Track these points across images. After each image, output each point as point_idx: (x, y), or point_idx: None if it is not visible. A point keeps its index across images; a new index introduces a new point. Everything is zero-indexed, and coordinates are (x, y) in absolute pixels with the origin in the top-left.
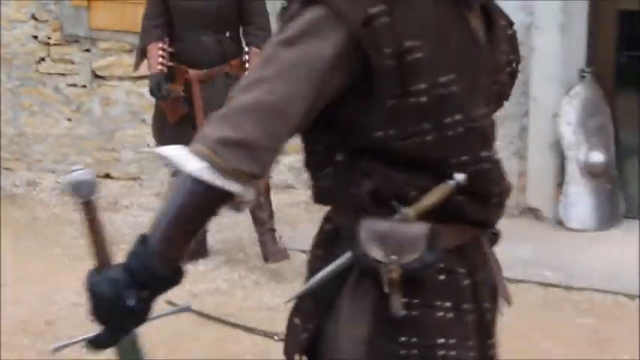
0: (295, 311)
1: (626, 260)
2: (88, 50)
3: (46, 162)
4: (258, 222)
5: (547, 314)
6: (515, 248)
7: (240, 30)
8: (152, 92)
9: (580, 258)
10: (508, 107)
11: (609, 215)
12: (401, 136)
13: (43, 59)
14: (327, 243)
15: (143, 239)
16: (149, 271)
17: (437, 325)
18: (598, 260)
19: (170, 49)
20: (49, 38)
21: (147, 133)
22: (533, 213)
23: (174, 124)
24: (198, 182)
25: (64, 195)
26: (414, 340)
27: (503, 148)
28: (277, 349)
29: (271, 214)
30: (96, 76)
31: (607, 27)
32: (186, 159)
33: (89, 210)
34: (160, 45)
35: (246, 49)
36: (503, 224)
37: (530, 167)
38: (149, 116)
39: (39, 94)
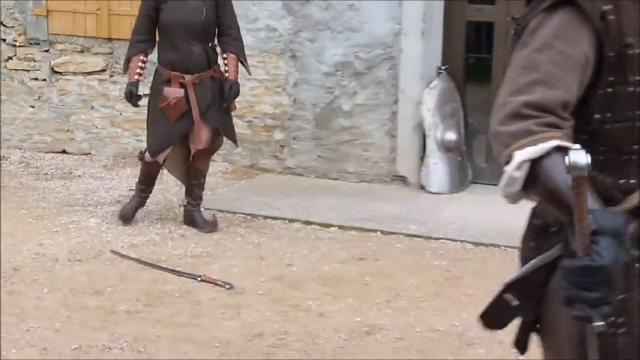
0: (508, 289)
1: (473, 216)
2: (47, 51)
3: (13, 141)
4: (193, 196)
5: (411, 258)
6: (387, 207)
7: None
8: (126, 97)
9: (437, 214)
10: (381, 96)
11: (460, 181)
12: (615, 119)
13: (10, 58)
14: (537, 236)
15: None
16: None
17: (635, 307)
18: (451, 216)
19: (146, 60)
20: (15, 41)
21: (95, 117)
22: (401, 180)
23: (175, 120)
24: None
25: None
26: (621, 320)
27: (377, 129)
28: (200, 287)
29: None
30: (54, 72)
31: (458, 34)
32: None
33: (579, 184)
34: (141, 57)
35: (224, 55)
36: (378, 189)
37: (399, 144)
38: (97, 104)
39: (7, 86)
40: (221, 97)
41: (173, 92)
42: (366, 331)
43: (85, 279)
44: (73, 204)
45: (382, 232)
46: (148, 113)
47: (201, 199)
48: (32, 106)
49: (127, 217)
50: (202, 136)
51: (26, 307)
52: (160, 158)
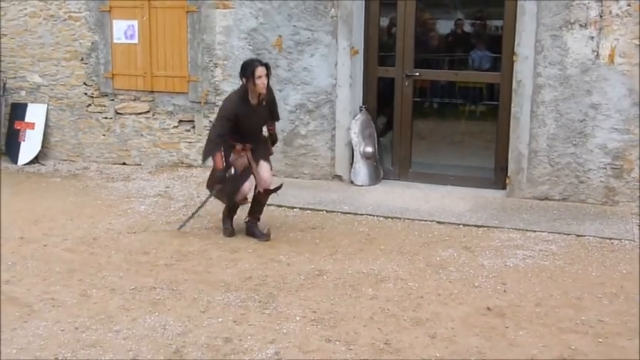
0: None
1: (383, 199)
2: (112, 100)
3: (92, 157)
4: (255, 216)
5: (344, 227)
6: (330, 195)
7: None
8: (217, 179)
9: (361, 199)
10: (325, 125)
11: (375, 178)
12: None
13: (90, 105)
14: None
15: None
16: None
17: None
18: (370, 200)
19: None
20: (92, 94)
21: (143, 141)
22: (339, 178)
23: (241, 174)
24: None
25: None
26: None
27: (323, 146)
28: (211, 248)
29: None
30: (117, 113)
31: (372, 85)
32: None
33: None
34: (222, 152)
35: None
36: (323, 184)
37: (336, 155)
38: (145, 132)
39: (88, 123)
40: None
41: (239, 161)
42: (317, 273)
43: (138, 244)
44: (130, 197)
45: (326, 211)
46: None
47: (259, 219)
48: (103, 135)
49: (231, 234)
50: (265, 176)
51: (101, 262)
52: (248, 195)
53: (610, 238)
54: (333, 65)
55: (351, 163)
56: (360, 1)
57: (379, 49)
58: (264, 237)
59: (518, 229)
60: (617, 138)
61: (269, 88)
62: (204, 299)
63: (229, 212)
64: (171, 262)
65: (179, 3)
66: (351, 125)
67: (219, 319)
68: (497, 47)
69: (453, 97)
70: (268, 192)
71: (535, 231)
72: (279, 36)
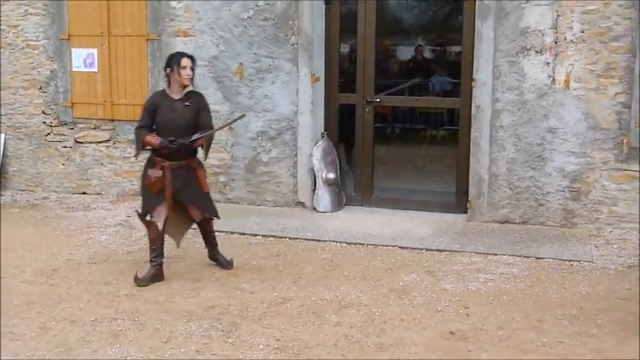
0: None
1: (346, 225)
2: (72, 128)
3: (52, 186)
4: (212, 244)
5: (308, 254)
6: (292, 222)
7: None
8: (165, 145)
9: (324, 225)
10: (287, 152)
11: (338, 204)
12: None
13: (49, 134)
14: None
15: None
16: None
17: None
18: (333, 226)
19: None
20: (52, 123)
21: (104, 170)
22: (301, 205)
23: (155, 194)
24: None
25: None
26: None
27: (285, 172)
28: (173, 277)
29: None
30: (77, 142)
31: (333, 112)
32: None
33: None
34: (150, 134)
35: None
36: (286, 211)
37: (299, 181)
38: (105, 161)
39: (47, 152)
40: (196, 181)
41: (155, 172)
42: (281, 301)
43: (99, 275)
44: (90, 226)
45: (290, 238)
46: (142, 185)
47: (217, 245)
48: (63, 164)
49: (142, 283)
50: (192, 213)
51: (61, 294)
52: (157, 222)
53: (569, 260)
54: (294, 92)
55: (314, 190)
56: (320, 29)
57: (340, 75)
58: (228, 265)
59: (480, 253)
60: (574, 161)
61: (201, 95)
62: (166, 329)
63: (151, 248)
64: (132, 293)
65: (139, 31)
66: (313, 152)
67: (182, 350)
68: (457, 73)
69: (415, 122)
70: (204, 220)
71: (496, 254)
72: (240, 63)
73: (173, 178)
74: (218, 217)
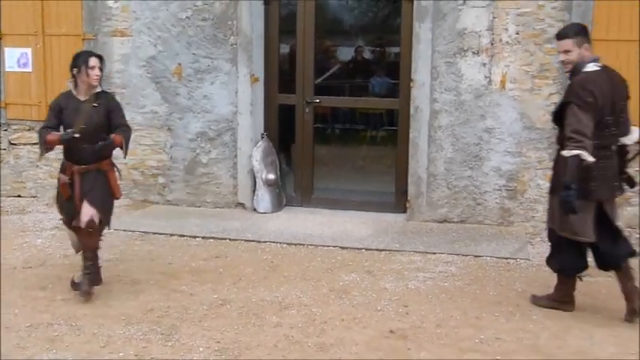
0: None
1: (286, 226)
2: (6, 130)
3: None
4: (83, 265)
5: (248, 255)
6: (233, 223)
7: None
8: (66, 138)
9: (265, 226)
10: (226, 153)
11: (278, 205)
12: None
13: None
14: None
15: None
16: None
17: None
18: (273, 227)
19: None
20: None
21: (39, 172)
22: (241, 206)
23: (66, 199)
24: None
25: None
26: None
27: (225, 174)
28: (111, 280)
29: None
30: (11, 144)
31: (273, 112)
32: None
33: None
34: (51, 132)
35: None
36: (226, 212)
37: (239, 182)
38: (40, 164)
39: None
40: (107, 185)
41: (63, 177)
42: (221, 303)
43: (34, 279)
44: (25, 230)
45: (230, 239)
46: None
47: (88, 270)
48: None
49: (87, 293)
50: (82, 214)
51: None
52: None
53: (506, 258)
54: (233, 93)
55: (254, 191)
56: (260, 29)
57: (280, 76)
58: (84, 296)
59: (419, 252)
60: (510, 161)
61: (111, 95)
62: (104, 334)
63: (84, 256)
64: (69, 297)
65: (75, 30)
66: (253, 153)
67: (120, 354)
68: (396, 73)
69: (354, 122)
70: (84, 231)
71: (435, 253)
72: (179, 64)
73: (82, 182)
74: (109, 227)
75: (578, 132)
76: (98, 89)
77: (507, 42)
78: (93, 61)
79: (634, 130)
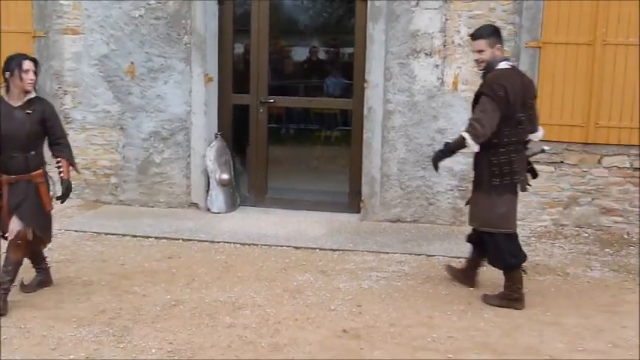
0: None
1: (240, 226)
2: None
3: None
4: (3, 279)
5: (201, 255)
6: (186, 223)
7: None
8: None
9: (218, 226)
10: (180, 153)
11: (232, 205)
12: None
13: None
14: None
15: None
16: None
17: None
18: (227, 227)
19: None
20: None
21: None
22: (195, 205)
23: None
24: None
25: None
26: None
27: (178, 173)
28: (63, 282)
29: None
30: None
31: (227, 112)
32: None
33: None
34: None
35: (58, 159)
36: (180, 212)
37: (192, 182)
38: None
39: None
40: (38, 198)
41: None
42: (174, 304)
43: None
44: None
45: (183, 239)
46: None
47: (5, 284)
48: None
49: (29, 289)
50: (11, 227)
51: None
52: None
53: (458, 257)
54: (187, 92)
55: (207, 191)
56: (214, 28)
57: (234, 76)
58: (5, 311)
59: (373, 252)
60: (462, 161)
61: (46, 102)
62: (54, 336)
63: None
64: (18, 299)
65: (25, 28)
66: (207, 152)
67: (71, 356)
68: (351, 74)
69: (309, 122)
70: (14, 244)
71: (388, 253)
72: (132, 63)
73: (10, 194)
74: (50, 240)
75: (478, 120)
76: (32, 95)
77: (459, 44)
78: (27, 65)
79: (540, 128)
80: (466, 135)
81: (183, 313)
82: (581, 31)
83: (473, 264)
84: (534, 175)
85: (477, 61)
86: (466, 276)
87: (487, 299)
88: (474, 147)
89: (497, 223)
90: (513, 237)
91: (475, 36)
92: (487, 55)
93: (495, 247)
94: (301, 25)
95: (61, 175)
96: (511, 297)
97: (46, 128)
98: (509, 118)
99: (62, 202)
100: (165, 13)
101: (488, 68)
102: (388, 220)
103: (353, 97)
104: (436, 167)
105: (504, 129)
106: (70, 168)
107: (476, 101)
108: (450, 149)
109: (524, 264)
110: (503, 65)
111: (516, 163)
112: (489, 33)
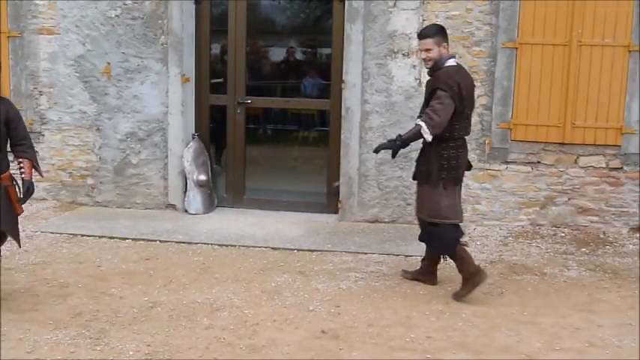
0: None
1: (218, 227)
2: None
3: None
4: None
5: (179, 257)
6: (163, 224)
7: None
8: None
9: (195, 228)
10: (157, 154)
11: (209, 206)
12: None
13: None
14: None
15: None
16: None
17: None
18: (204, 228)
19: None
20: None
21: None
22: (172, 207)
23: None
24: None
25: None
26: None
27: (155, 174)
28: (38, 285)
29: None
30: None
31: (204, 113)
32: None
33: None
34: None
35: (20, 161)
36: (157, 213)
37: (170, 183)
38: None
39: None
40: (7, 201)
41: None
42: (151, 305)
43: None
44: None
45: (160, 241)
46: None
47: None
48: None
49: None
50: None
51: None
52: None
53: None
54: (164, 93)
55: (185, 192)
56: (191, 29)
57: (211, 76)
58: None
59: (350, 252)
60: None
61: (8, 102)
62: (30, 339)
63: None
64: None
65: None
66: (184, 153)
67: (48, 359)
68: (328, 75)
69: (287, 123)
70: None
71: (366, 253)
72: (108, 63)
73: None
74: (19, 243)
75: (435, 111)
76: None
77: None
78: None
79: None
80: (422, 124)
81: (161, 314)
82: (557, 31)
83: (431, 262)
84: (469, 167)
85: (425, 60)
86: (426, 275)
87: (458, 296)
88: (428, 137)
89: (445, 215)
90: (457, 226)
91: (422, 35)
92: (434, 53)
93: (441, 237)
94: (279, 25)
95: (23, 175)
96: (470, 275)
97: (8, 129)
98: (460, 113)
99: (22, 204)
100: (142, 13)
101: (435, 66)
102: (366, 221)
103: (330, 98)
104: (377, 151)
105: (455, 123)
106: (39, 170)
107: (429, 97)
108: (405, 140)
109: (462, 239)
110: (451, 62)
111: (462, 157)
112: (435, 32)
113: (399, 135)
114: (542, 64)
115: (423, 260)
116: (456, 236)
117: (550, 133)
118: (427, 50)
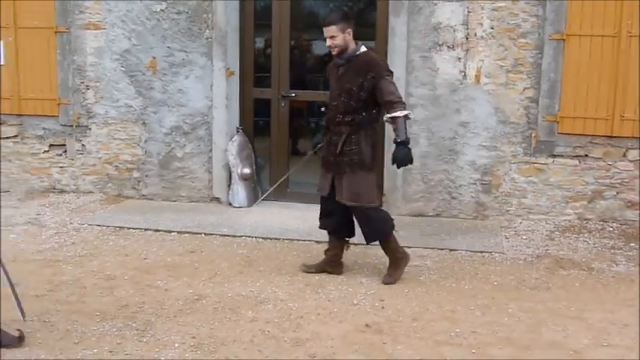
0: None
1: (262, 221)
2: None
3: None
4: None
5: (223, 249)
6: (208, 217)
7: None
8: None
9: (240, 221)
10: (202, 147)
11: (253, 199)
12: None
13: None
14: None
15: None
16: None
17: None
18: (248, 222)
19: None
20: None
21: (11, 166)
22: (217, 200)
23: None
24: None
25: None
26: None
27: (200, 168)
28: (85, 277)
29: None
30: None
31: (248, 106)
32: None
33: None
34: None
35: None
36: (202, 206)
37: (214, 177)
38: (13, 158)
39: None
40: None
41: None
42: (196, 298)
43: None
44: None
45: (205, 233)
46: None
47: None
48: None
49: None
50: None
51: None
52: None
53: (481, 252)
54: (208, 87)
55: (229, 185)
56: (235, 23)
57: (255, 70)
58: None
59: None
60: (485, 155)
61: None
62: (78, 330)
63: None
64: (42, 293)
65: (47, 23)
66: (228, 147)
67: (94, 350)
68: None
69: None
70: None
71: (410, 247)
72: (153, 57)
73: None
74: None
75: (399, 97)
76: None
77: (482, 36)
78: None
79: None
80: (404, 111)
81: (206, 307)
82: (606, 22)
83: (337, 251)
84: None
85: (331, 47)
86: (333, 265)
87: (386, 280)
88: (412, 115)
89: (372, 199)
90: (379, 208)
91: (326, 22)
92: (339, 40)
93: (370, 221)
94: (322, 18)
95: None
96: (398, 260)
97: None
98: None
99: None
100: (187, 8)
101: (345, 52)
102: (410, 215)
103: None
104: (412, 161)
105: (380, 109)
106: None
107: (352, 81)
108: (408, 139)
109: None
110: (364, 49)
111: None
112: (339, 19)
113: (401, 141)
114: (590, 55)
115: (326, 251)
116: (388, 223)
117: (598, 125)
118: (332, 37)
